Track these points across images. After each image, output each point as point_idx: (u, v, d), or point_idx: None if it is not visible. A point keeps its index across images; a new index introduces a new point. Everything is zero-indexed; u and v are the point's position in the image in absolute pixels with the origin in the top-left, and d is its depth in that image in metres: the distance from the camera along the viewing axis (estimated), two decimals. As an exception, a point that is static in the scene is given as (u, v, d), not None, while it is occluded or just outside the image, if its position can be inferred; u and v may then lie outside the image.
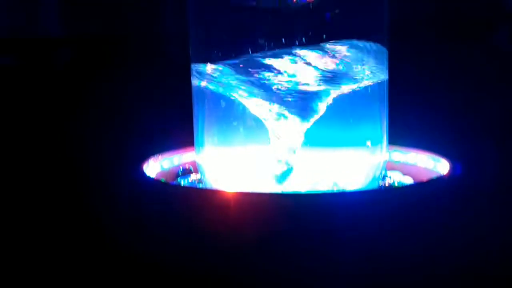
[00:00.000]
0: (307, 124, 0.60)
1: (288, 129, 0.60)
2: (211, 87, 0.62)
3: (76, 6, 1.23)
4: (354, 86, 0.61)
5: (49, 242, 0.61)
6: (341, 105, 0.62)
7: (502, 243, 0.58)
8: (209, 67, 0.62)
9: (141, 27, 1.18)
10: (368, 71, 0.62)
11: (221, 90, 0.62)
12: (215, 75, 0.61)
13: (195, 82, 0.65)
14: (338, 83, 0.61)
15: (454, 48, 1.05)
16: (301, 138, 0.60)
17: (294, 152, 0.61)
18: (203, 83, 0.63)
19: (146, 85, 1.05)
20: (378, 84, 0.64)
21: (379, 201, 0.53)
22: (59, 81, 1.17)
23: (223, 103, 0.63)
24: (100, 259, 0.57)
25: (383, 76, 0.64)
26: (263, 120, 0.61)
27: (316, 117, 0.60)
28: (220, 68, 0.61)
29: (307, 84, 0.60)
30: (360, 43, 0.60)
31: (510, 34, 1.17)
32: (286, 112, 0.60)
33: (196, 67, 0.64)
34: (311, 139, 0.61)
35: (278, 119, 0.60)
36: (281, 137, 0.60)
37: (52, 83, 1.16)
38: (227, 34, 0.61)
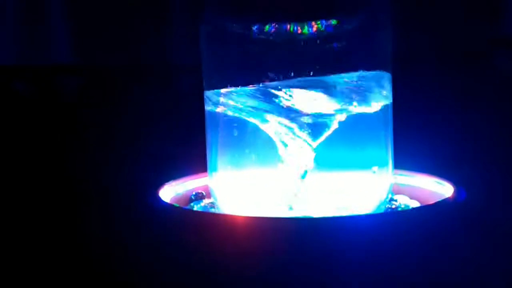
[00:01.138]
0: (318, 141, 0.63)
1: (300, 146, 0.63)
2: (224, 112, 0.65)
3: (89, 34, 1.26)
4: (360, 110, 0.64)
5: (61, 267, 0.62)
6: (347, 129, 0.64)
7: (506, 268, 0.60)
8: (223, 94, 0.64)
9: (152, 56, 1.20)
10: (374, 96, 0.64)
11: (234, 114, 0.64)
12: (228, 101, 0.64)
13: (208, 108, 0.67)
14: (345, 108, 0.63)
15: (456, 74, 1.07)
16: (313, 155, 0.63)
17: (305, 172, 0.63)
18: (218, 109, 0.65)
19: (158, 112, 1.07)
20: (383, 108, 0.66)
21: (384, 225, 0.55)
22: (69, 108, 1.19)
23: (235, 129, 0.65)
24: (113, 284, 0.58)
25: (388, 100, 0.66)
26: (274, 139, 0.63)
27: (326, 134, 0.62)
28: (234, 94, 0.63)
29: (316, 108, 0.63)
30: (366, 73, 0.63)
31: (509, 57, 1.19)
32: (297, 131, 0.63)
33: (209, 93, 0.66)
34: (318, 163, 0.64)
35: (290, 138, 0.63)
36: (293, 155, 0.63)
37: (61, 109, 1.18)
38: (241, 64, 0.64)
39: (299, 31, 0.62)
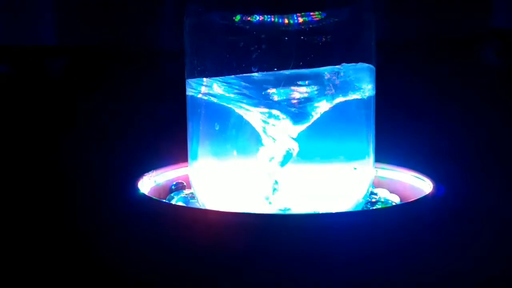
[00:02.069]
0: (300, 128, 0.62)
1: (281, 133, 0.62)
2: (205, 99, 0.64)
3: (73, 15, 1.24)
4: (343, 100, 0.63)
5: (38, 257, 0.62)
6: (329, 122, 0.64)
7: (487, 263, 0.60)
8: (205, 82, 0.64)
9: (136, 39, 1.19)
10: (356, 87, 0.64)
11: (215, 101, 0.63)
12: (210, 89, 0.63)
13: (189, 94, 0.66)
14: (327, 98, 0.63)
15: (442, 64, 1.07)
16: (295, 144, 0.63)
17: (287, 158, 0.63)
18: (199, 95, 0.65)
19: (140, 96, 1.06)
20: (365, 102, 0.66)
21: (362, 223, 0.55)
22: (53, 90, 1.18)
23: (217, 118, 0.64)
24: (89, 275, 0.58)
25: (371, 92, 0.66)
26: (256, 127, 0.63)
27: (308, 123, 0.62)
28: (216, 82, 0.63)
29: (298, 98, 0.62)
30: (349, 65, 0.63)
31: (497, 49, 1.19)
32: (279, 119, 0.62)
33: (191, 81, 0.66)
34: (299, 156, 0.63)
35: (272, 126, 0.62)
36: (275, 143, 0.62)
37: (45, 91, 1.17)
38: (224, 54, 0.63)
39: (284, 24, 0.61)
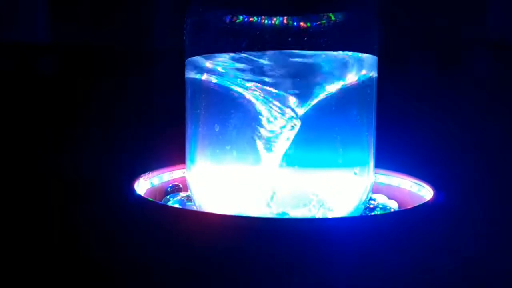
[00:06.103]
0: (301, 110, 0.61)
1: (283, 115, 0.62)
2: (209, 79, 0.63)
3: (66, 13, 1.23)
4: (343, 83, 0.63)
5: (33, 257, 0.61)
6: (329, 127, 0.63)
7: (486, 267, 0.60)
8: (208, 60, 0.63)
9: (131, 39, 1.18)
10: (357, 74, 0.64)
11: (218, 82, 0.63)
12: (213, 66, 0.62)
13: (190, 76, 0.65)
14: (328, 81, 0.62)
15: (436, 74, 1.07)
16: (298, 124, 0.62)
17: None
18: (202, 77, 0.64)
19: (135, 96, 1.05)
20: (366, 107, 0.65)
21: (362, 228, 0.55)
22: (46, 89, 1.16)
23: (216, 123, 0.63)
24: (85, 276, 0.57)
25: (371, 79, 0.65)
26: (259, 108, 0.62)
27: (310, 105, 0.62)
28: (219, 60, 0.62)
29: (299, 79, 0.62)
30: (349, 54, 0.63)
31: (489, 60, 1.19)
32: (282, 96, 0.61)
33: (193, 60, 0.65)
34: (299, 161, 0.63)
35: (275, 107, 0.61)
36: (276, 125, 0.62)
37: (39, 90, 1.16)
38: (228, 43, 0.63)
39: (288, 23, 0.61)
